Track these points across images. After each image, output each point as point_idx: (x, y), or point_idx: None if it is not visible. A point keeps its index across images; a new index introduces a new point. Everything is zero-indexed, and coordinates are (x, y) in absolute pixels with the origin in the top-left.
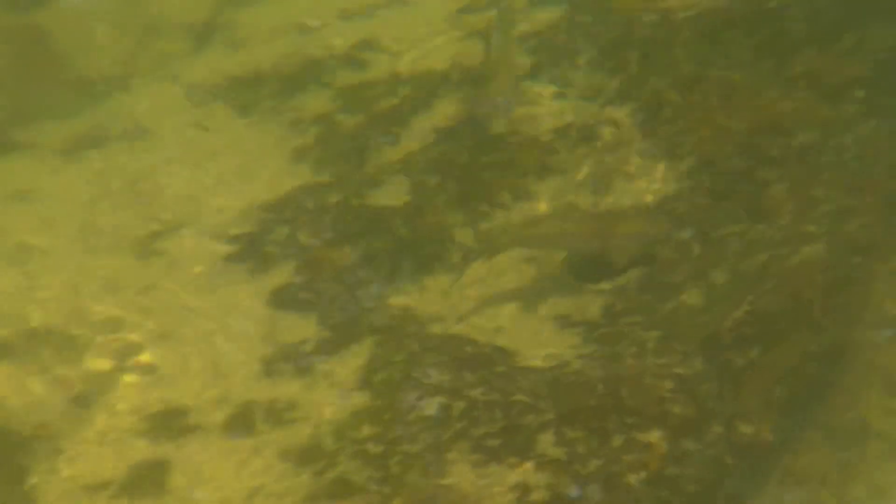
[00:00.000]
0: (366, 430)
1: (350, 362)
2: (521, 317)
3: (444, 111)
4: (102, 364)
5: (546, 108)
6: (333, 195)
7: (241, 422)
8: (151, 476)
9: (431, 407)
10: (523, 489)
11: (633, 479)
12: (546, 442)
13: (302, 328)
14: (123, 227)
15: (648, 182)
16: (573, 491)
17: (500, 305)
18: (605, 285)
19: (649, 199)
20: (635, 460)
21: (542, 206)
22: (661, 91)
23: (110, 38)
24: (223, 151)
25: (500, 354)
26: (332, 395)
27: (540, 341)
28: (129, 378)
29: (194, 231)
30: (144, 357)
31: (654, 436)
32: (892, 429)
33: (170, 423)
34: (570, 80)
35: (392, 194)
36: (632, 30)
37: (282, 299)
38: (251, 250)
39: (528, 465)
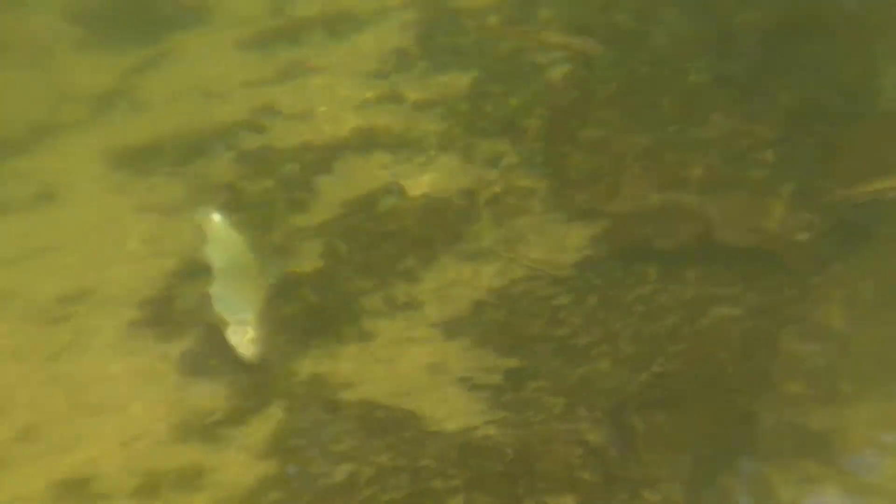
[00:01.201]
0: (273, 497)
1: (259, 429)
2: (429, 381)
3: (351, 177)
4: (6, 433)
5: (452, 176)
6: None
7: (149, 490)
8: None
9: (340, 473)
10: None
11: None
12: None
13: (211, 395)
14: (28, 293)
15: (557, 247)
16: None
17: (408, 370)
18: (514, 350)
19: (558, 263)
20: None
21: (449, 274)
22: (568, 156)
23: (15, 104)
24: (129, 217)
25: (409, 419)
26: (240, 462)
27: (448, 406)
28: (34, 446)
29: (101, 297)
30: (50, 425)
31: (565, 502)
32: (804, 496)
33: (77, 490)
34: (477, 146)
35: (300, 261)
36: (539, 96)
37: (190, 365)
38: (159, 316)
39: None
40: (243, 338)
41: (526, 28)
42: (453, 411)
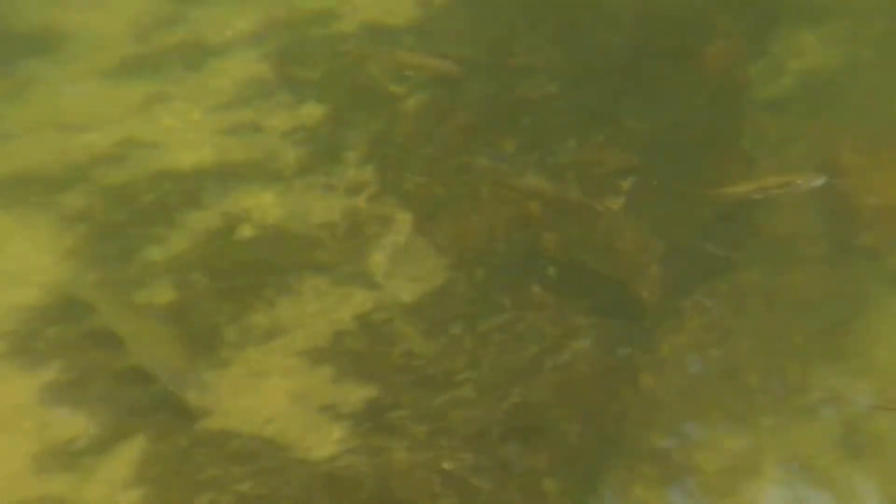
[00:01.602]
0: None
1: (121, 459)
2: (291, 410)
3: (210, 207)
4: None
5: (313, 204)
6: (100, 294)
7: None
8: None
9: (200, 502)
10: None
11: None
12: None
13: (72, 425)
14: None
15: (417, 276)
16: None
17: (269, 399)
18: (374, 380)
19: (408, 293)
20: None
21: (309, 303)
22: (426, 184)
23: None
24: None
25: (270, 448)
26: (103, 492)
27: (310, 434)
28: None
29: None
30: None
31: None
32: None
33: None
34: (337, 174)
35: (158, 293)
36: (397, 124)
37: (52, 396)
38: (21, 348)
39: None
40: (182, 385)
41: (386, 49)
42: (316, 440)
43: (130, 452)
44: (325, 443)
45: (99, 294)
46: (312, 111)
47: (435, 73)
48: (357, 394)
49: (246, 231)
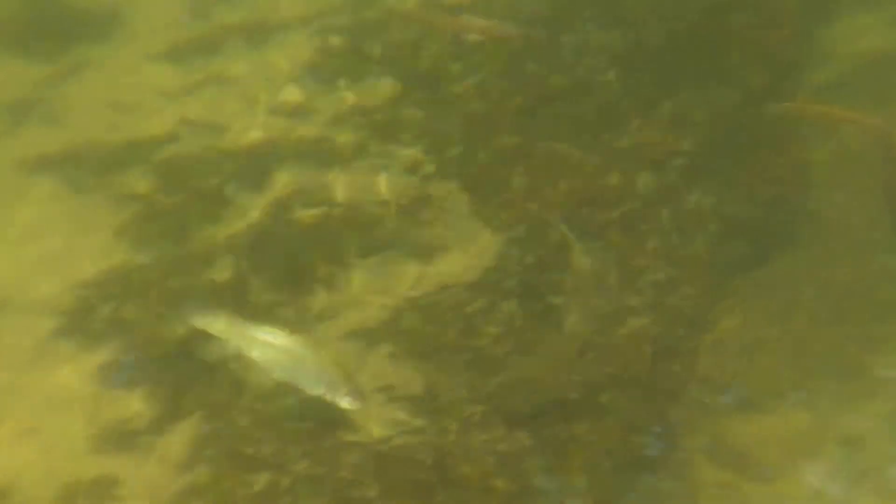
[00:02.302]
0: None
1: (177, 438)
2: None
3: (267, 187)
4: None
5: (369, 184)
6: (156, 273)
7: (67, 501)
8: None
9: (259, 483)
10: None
11: None
12: None
13: (128, 404)
14: None
15: (473, 255)
16: None
17: None
18: (429, 360)
19: (474, 271)
20: None
21: (365, 282)
22: (484, 164)
23: None
24: (45, 229)
25: (326, 428)
26: (159, 472)
27: (365, 415)
28: None
29: (18, 308)
30: None
31: None
32: (719, 502)
33: None
34: (394, 154)
35: (214, 272)
36: (456, 104)
37: (107, 375)
38: (76, 327)
39: None
40: (341, 396)
41: (444, 14)
42: (371, 421)
43: (186, 432)
44: (381, 423)
45: (226, 327)
46: (370, 91)
47: (497, 37)
48: (412, 374)
49: (302, 211)
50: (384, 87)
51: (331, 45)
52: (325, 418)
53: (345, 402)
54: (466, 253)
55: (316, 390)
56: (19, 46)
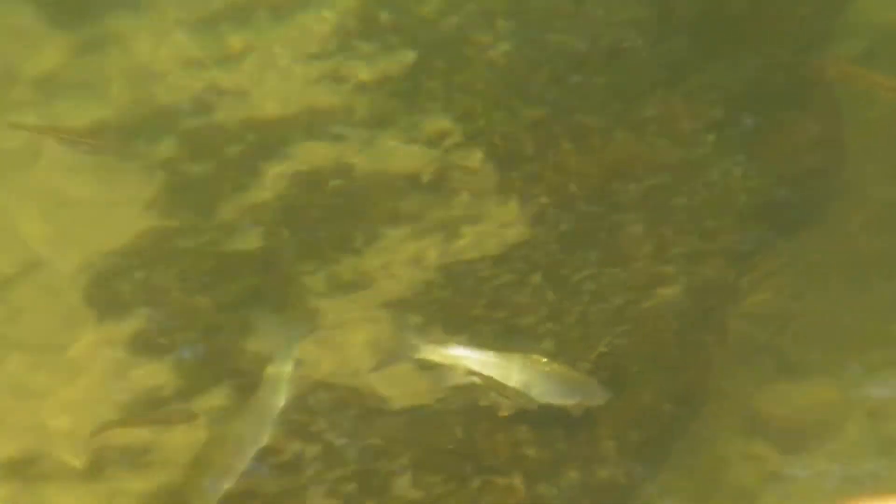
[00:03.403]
0: None
1: (206, 408)
2: (375, 360)
3: (295, 157)
4: None
5: (397, 155)
6: (185, 241)
7: (96, 467)
8: None
9: (288, 452)
10: None
11: None
12: (402, 485)
13: (157, 374)
14: None
15: (500, 227)
16: None
17: (354, 349)
18: (458, 331)
19: (502, 243)
20: (494, 502)
21: (393, 253)
22: (511, 135)
23: None
24: (73, 198)
25: (355, 398)
26: (187, 441)
27: (394, 385)
28: None
29: (47, 276)
30: None
31: (511, 479)
32: (749, 473)
33: (23, 470)
34: (421, 124)
35: (243, 242)
36: (483, 74)
37: (137, 344)
38: (104, 296)
39: None
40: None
41: None
42: (400, 391)
43: (215, 402)
44: (410, 393)
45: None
46: (397, 61)
47: None
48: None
49: (330, 181)
50: (410, 56)
51: (357, 15)
52: (352, 387)
53: (599, 400)
54: (494, 224)
55: (572, 400)
56: (47, 18)
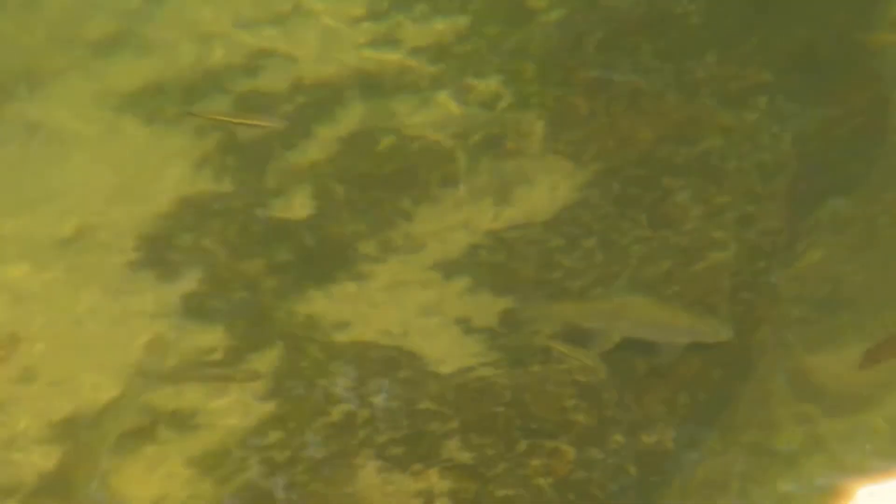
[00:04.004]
0: (272, 438)
1: (256, 369)
2: (426, 322)
3: (347, 119)
4: (5, 372)
5: (448, 115)
6: (237, 203)
7: (146, 429)
8: (55, 482)
9: (337, 414)
10: (428, 495)
11: (542, 482)
12: (451, 448)
13: (208, 336)
14: (27, 233)
15: (551, 190)
16: None
17: (405, 311)
18: (509, 294)
19: (552, 206)
20: (542, 465)
21: (445, 215)
22: (563, 98)
23: (9, 48)
24: (128, 159)
25: (405, 361)
26: (237, 403)
27: (445, 347)
28: (34, 387)
29: (98, 239)
30: (46, 364)
31: (559, 443)
32: (798, 435)
33: (74, 431)
34: (472, 87)
35: (296, 203)
36: (536, 37)
37: (187, 307)
38: (156, 258)
39: (434, 471)
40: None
41: None
42: (450, 353)
43: (264, 363)
44: (460, 355)
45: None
46: (450, 24)
47: None
48: (492, 307)
49: (382, 143)
50: (463, 19)
51: None
52: (402, 350)
53: (724, 336)
54: (545, 187)
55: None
56: None
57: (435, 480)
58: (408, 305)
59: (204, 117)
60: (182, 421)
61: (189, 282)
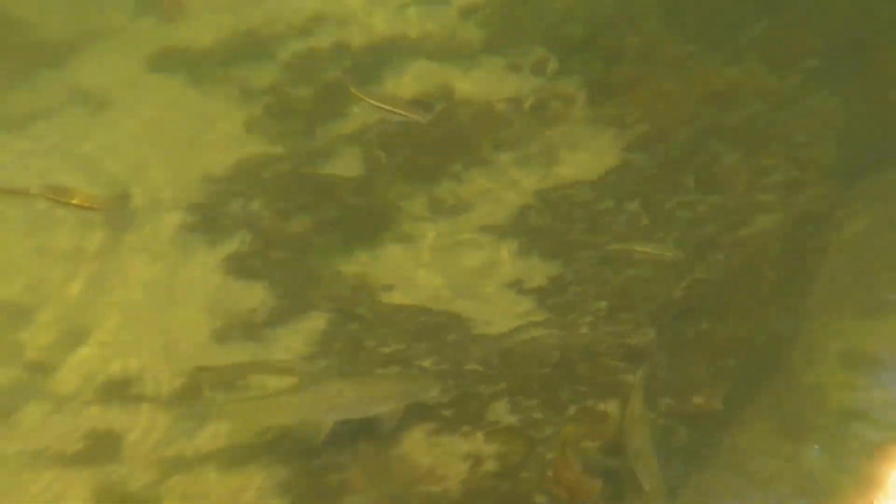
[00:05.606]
0: None
1: (303, 331)
2: (474, 284)
3: (395, 82)
4: (56, 334)
5: (496, 81)
6: (285, 166)
7: (193, 389)
8: (103, 444)
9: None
10: (475, 457)
11: (589, 445)
12: (499, 410)
13: (255, 297)
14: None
15: (598, 154)
16: None
17: (453, 274)
18: (556, 257)
19: (600, 170)
20: (590, 429)
21: (493, 179)
22: (609, 64)
23: (57, 11)
24: (175, 123)
25: (453, 323)
26: (284, 363)
27: (493, 309)
28: (83, 348)
29: (146, 201)
30: (97, 326)
31: (608, 406)
32: (846, 401)
33: (122, 391)
34: (520, 53)
35: (343, 165)
36: (583, 4)
37: (236, 269)
38: (204, 220)
39: (481, 433)
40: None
41: None
42: (499, 315)
43: (311, 325)
44: (509, 317)
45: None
46: None
47: None
48: (540, 269)
49: (433, 106)
50: None
51: None
52: (450, 313)
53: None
54: (592, 152)
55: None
56: None
57: (482, 442)
58: (455, 269)
59: (360, 97)
60: (228, 380)
61: (237, 243)
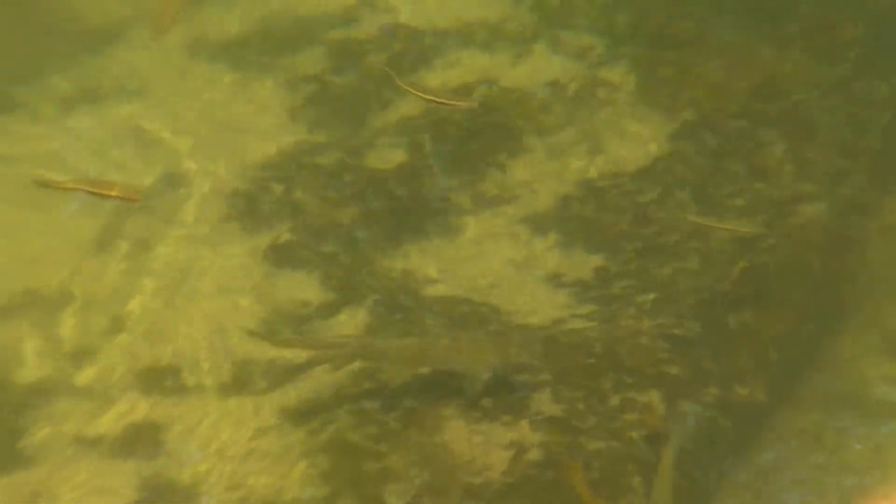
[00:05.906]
0: (366, 387)
1: (348, 322)
2: (517, 276)
3: (440, 70)
4: (98, 322)
5: (542, 67)
6: (329, 155)
7: (240, 380)
8: (147, 435)
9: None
10: (519, 447)
11: (633, 434)
12: (542, 401)
13: (300, 288)
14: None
15: (644, 142)
16: None
17: (496, 264)
18: (600, 247)
19: (645, 159)
20: (635, 419)
21: (536, 167)
22: (656, 50)
23: None
24: (220, 110)
25: (496, 314)
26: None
27: (536, 300)
28: (125, 337)
29: (190, 189)
30: (140, 315)
31: (651, 397)
32: (889, 394)
33: (166, 381)
34: (566, 39)
35: (388, 155)
36: None
37: (279, 259)
38: (248, 209)
39: (524, 422)
40: None
41: None
42: (541, 306)
43: (357, 316)
44: (551, 308)
45: None
46: None
47: None
48: (583, 260)
49: (476, 93)
50: None
51: None
52: (494, 304)
53: None
54: (637, 140)
55: None
56: None
57: (526, 432)
58: (498, 259)
59: (404, 87)
60: (275, 373)
61: (280, 233)
